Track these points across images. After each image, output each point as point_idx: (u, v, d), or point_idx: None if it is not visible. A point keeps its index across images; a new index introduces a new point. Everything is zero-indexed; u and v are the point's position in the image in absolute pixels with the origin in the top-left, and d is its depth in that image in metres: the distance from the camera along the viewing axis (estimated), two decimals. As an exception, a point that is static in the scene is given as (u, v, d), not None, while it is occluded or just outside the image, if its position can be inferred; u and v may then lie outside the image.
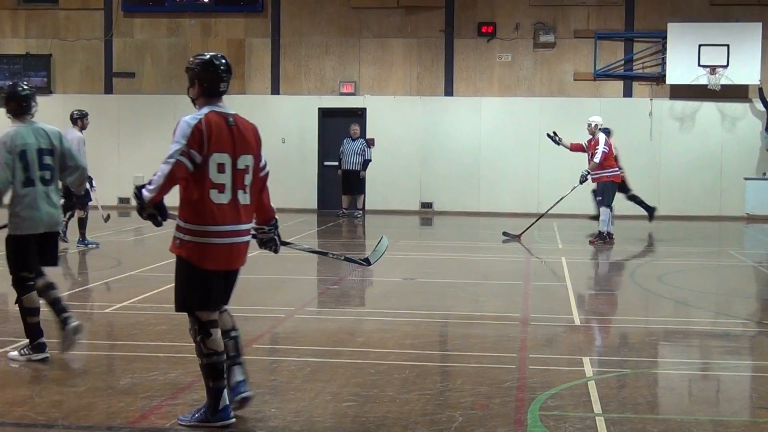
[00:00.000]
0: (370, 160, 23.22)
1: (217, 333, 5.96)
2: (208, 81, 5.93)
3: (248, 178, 5.96)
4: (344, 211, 23.13)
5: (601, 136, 17.22)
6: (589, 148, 17.27)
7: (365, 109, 24.58)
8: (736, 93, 23.48)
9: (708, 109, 23.76)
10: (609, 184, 17.34)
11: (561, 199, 17.85)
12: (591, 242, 17.21)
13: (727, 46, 22.92)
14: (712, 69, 22.92)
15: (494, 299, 11.39)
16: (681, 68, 23.11)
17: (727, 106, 23.70)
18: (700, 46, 22.97)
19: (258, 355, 8.24)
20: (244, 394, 6.20)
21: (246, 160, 5.93)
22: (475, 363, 7.97)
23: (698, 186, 23.81)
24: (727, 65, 22.92)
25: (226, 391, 5.98)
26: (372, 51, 24.62)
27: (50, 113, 24.70)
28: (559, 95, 24.15)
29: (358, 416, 6.31)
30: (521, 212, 23.52)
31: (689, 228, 21.56)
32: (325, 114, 24.73)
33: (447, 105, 24.50)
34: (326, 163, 24.34)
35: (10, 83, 8.46)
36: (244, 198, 5.94)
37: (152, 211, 5.84)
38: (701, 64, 22.98)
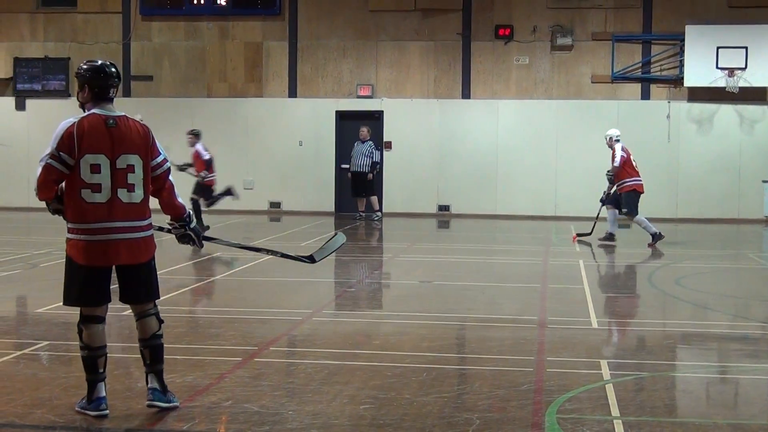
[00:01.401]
0: (378, 163, 23.27)
1: (96, 328, 6.22)
2: (98, 86, 6.21)
3: (133, 177, 6.10)
4: (361, 214, 23.15)
5: (617, 145, 17.50)
6: (612, 160, 17.58)
7: (382, 112, 24.59)
8: (754, 95, 23.39)
9: (726, 111, 23.67)
10: (631, 194, 17.51)
11: (607, 195, 17.88)
12: (650, 245, 17.31)
13: (746, 48, 22.82)
14: (731, 71, 22.83)
15: (511, 302, 11.38)
16: (699, 70, 23.01)
17: (746, 109, 23.60)
18: (718, 48, 22.87)
19: (275, 357, 8.26)
20: (154, 402, 6.32)
21: (128, 160, 6.09)
22: (492, 366, 7.97)
23: (716, 189, 23.72)
24: (746, 67, 22.82)
25: (102, 384, 6.24)
26: (389, 54, 24.63)
27: (68, 116, 24.83)
28: (576, 98, 24.10)
29: (375, 419, 6.31)
30: (538, 215, 23.52)
31: (707, 231, 21.49)
32: (342, 117, 24.75)
33: (464, 108, 24.49)
34: (343, 166, 24.35)
35: None
36: (128, 196, 6.08)
37: (56, 206, 6.14)
38: (719, 66, 22.89)
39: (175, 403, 6.41)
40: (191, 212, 6.60)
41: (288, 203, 24.84)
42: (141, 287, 6.33)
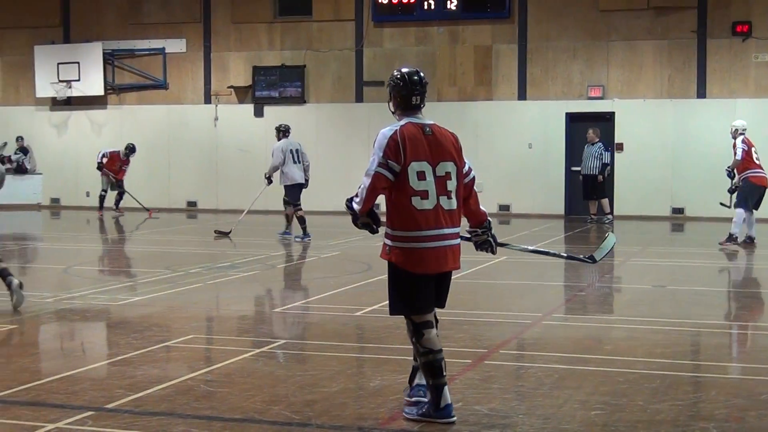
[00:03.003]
0: (608, 164, 22.88)
1: (431, 332, 6.14)
2: (401, 96, 6.21)
3: (451, 184, 6.14)
4: (593, 217, 22.84)
5: (739, 138, 16.97)
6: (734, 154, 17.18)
7: (614, 113, 24.15)
8: None
9: None
10: (750, 186, 16.95)
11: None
12: (721, 243, 16.84)
13: None
14: None
15: (748, 308, 10.95)
16: None
17: None
18: None
19: (504, 360, 8.24)
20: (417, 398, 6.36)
21: (446, 167, 6.12)
22: (729, 374, 7.69)
23: None
24: None
25: (447, 389, 6.12)
26: (620, 54, 24.17)
27: (304, 122, 25.64)
28: (820, 95, 22.95)
29: (607, 425, 6.20)
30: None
31: None
32: (572, 119, 24.46)
33: (699, 107, 23.74)
34: (573, 169, 24.06)
35: None
36: (448, 203, 6.12)
37: (365, 220, 6.18)
38: None
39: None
40: (490, 219, 6.61)
41: (517, 206, 24.75)
42: (447, 293, 6.39)
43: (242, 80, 26.42)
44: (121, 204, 25.04)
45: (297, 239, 18.02)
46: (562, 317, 10.70)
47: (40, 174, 27.86)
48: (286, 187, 18.22)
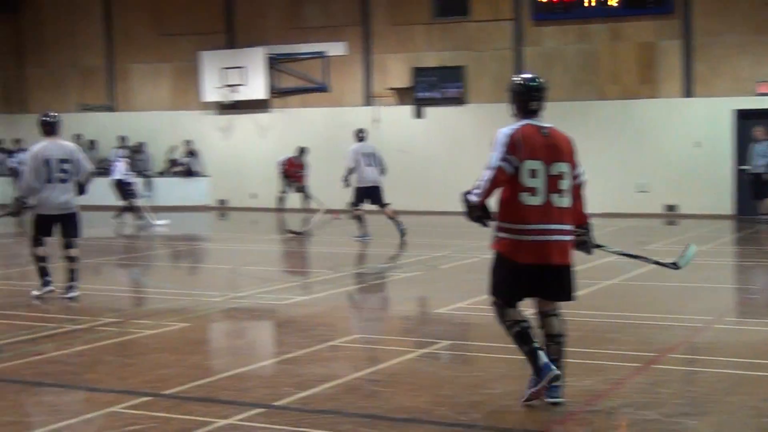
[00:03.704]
0: None
1: (514, 310, 6.56)
2: (520, 101, 6.62)
3: (564, 183, 6.49)
4: (764, 215, 22.06)
5: None
6: None
7: (784, 109, 23.34)
8: None
9: None
10: None
11: None
12: None
13: None
14: None
15: None
16: None
17: None
18: None
19: (674, 365, 8.04)
20: (554, 399, 6.51)
21: (560, 167, 6.48)
22: None
23: None
24: None
25: (541, 352, 6.45)
26: (792, 48, 23.34)
27: (464, 123, 25.62)
28: None
29: (784, 433, 5.99)
30: None
31: None
32: (741, 116, 23.70)
33: None
34: (743, 168, 23.31)
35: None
36: (559, 201, 6.46)
37: (479, 213, 6.54)
38: None
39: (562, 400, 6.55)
40: (591, 222, 6.82)
41: (684, 206, 24.14)
42: (561, 287, 6.59)
43: (402, 82, 26.55)
44: (315, 205, 25.58)
45: (358, 239, 18.30)
46: (735, 321, 10.38)
47: (208, 176, 28.62)
48: (356, 188, 18.53)
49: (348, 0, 27.02)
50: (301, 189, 25.43)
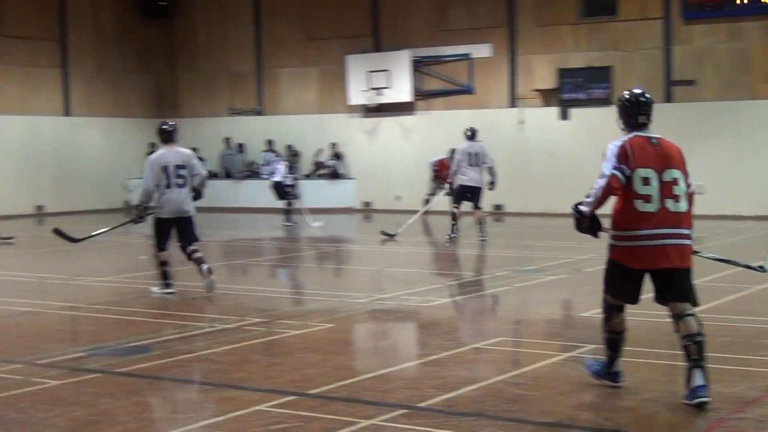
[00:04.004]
0: None
1: (619, 317, 6.98)
2: (628, 116, 6.91)
3: (678, 189, 6.68)
4: None
5: None
6: None
7: None
8: None
9: None
10: None
11: None
12: None
13: None
14: None
15: None
16: None
17: None
18: None
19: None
20: (701, 399, 6.47)
21: (672, 174, 6.69)
22: None
23: None
24: None
25: (619, 361, 7.09)
26: None
27: (611, 124, 25.17)
28: None
29: None
30: None
31: None
32: None
33: None
34: None
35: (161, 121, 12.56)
36: (675, 206, 6.66)
37: (589, 224, 6.88)
38: None
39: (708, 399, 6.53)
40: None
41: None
42: (683, 289, 6.71)
43: (547, 83, 26.33)
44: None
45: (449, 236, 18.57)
46: None
47: (353, 179, 28.92)
48: (457, 186, 18.66)
49: (493, 1, 26.94)
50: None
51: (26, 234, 22.74)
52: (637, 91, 6.98)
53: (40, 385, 7.49)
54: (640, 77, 25.18)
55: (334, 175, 28.88)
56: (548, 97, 26.38)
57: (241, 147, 30.43)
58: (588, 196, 6.76)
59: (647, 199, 6.60)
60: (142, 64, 31.63)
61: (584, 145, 25.72)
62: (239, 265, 16.56)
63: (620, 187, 6.62)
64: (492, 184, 18.91)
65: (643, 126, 6.87)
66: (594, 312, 10.56)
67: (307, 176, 29.09)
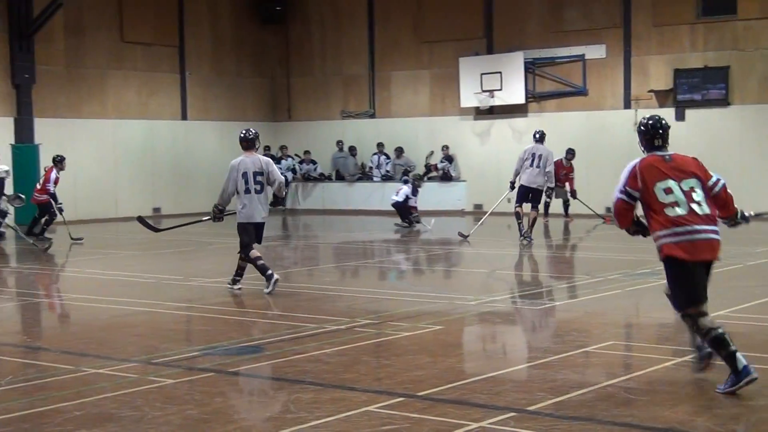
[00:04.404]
0: None
1: (705, 319, 7.25)
2: (646, 139, 7.72)
3: (697, 196, 7.39)
4: None
5: None
6: None
7: None
8: None
9: None
10: None
11: None
12: None
13: None
14: None
15: None
16: None
17: None
18: None
19: None
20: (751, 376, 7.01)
21: (689, 183, 7.42)
22: None
23: None
24: None
25: (739, 354, 7.07)
26: None
27: (728, 125, 24.72)
28: None
29: None
30: None
31: None
32: None
33: None
34: None
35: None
36: (700, 209, 7.35)
37: (634, 228, 7.71)
38: None
39: None
40: (739, 211, 7.85)
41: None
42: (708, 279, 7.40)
43: (663, 84, 25.90)
44: (570, 211, 25.52)
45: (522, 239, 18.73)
46: None
47: (464, 181, 28.87)
48: (519, 187, 18.92)
49: (609, 2, 26.62)
50: (566, 193, 25.20)
51: (144, 236, 23.27)
52: (652, 119, 7.79)
53: (155, 383, 7.67)
54: (759, 77, 24.65)
55: (446, 177, 28.87)
56: (663, 98, 25.94)
57: (352, 150, 30.64)
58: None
59: (675, 204, 7.32)
60: (257, 69, 32.14)
61: (700, 147, 25.09)
62: (351, 267, 16.69)
63: (628, 207, 7.56)
64: (550, 190, 19.21)
65: (659, 148, 7.63)
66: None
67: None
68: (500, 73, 27.70)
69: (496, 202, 21.41)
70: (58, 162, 21.45)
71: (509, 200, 20.96)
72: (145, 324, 10.84)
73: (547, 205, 24.19)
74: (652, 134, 7.71)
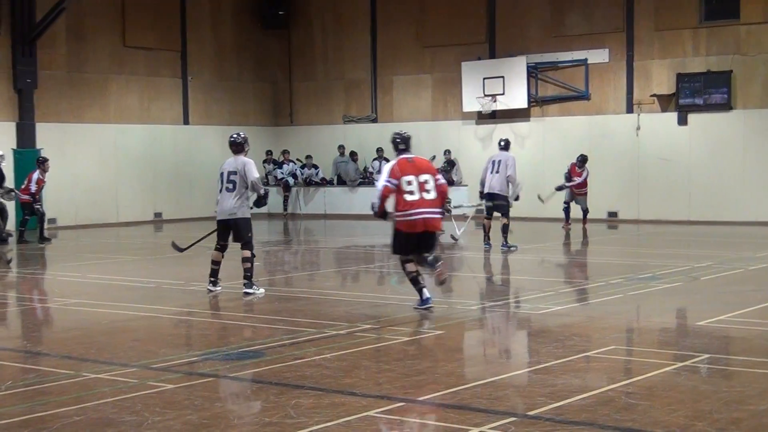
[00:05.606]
0: None
1: (410, 266, 11.23)
2: (395, 145, 11.55)
3: (428, 185, 11.13)
4: None
5: None
6: None
7: None
8: None
9: None
10: None
11: None
12: None
13: None
14: None
15: None
16: None
17: None
18: None
19: None
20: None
21: (424, 177, 11.17)
22: None
23: None
24: None
25: (425, 290, 11.21)
26: None
27: (730, 130, 24.71)
28: None
29: None
30: None
31: None
32: None
33: None
34: None
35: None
36: (428, 195, 11.10)
37: (382, 212, 11.35)
38: None
39: None
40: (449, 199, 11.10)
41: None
42: (429, 247, 11.23)
43: (665, 88, 25.87)
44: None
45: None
46: None
47: (466, 185, 28.84)
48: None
49: (611, 7, 26.60)
50: (585, 201, 25.00)
51: (145, 241, 23.29)
52: (399, 134, 11.60)
53: (155, 388, 7.66)
54: (761, 82, 24.63)
55: (448, 181, 28.83)
56: (666, 102, 25.92)
57: (354, 154, 30.63)
58: (376, 196, 11.33)
59: (411, 193, 11.01)
60: (259, 73, 32.16)
61: (702, 152, 25.25)
62: (351, 272, 16.68)
63: (391, 192, 11.06)
64: (517, 197, 19.41)
65: (404, 151, 11.37)
66: (709, 321, 10.37)
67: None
68: (502, 77, 27.68)
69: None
70: (41, 163, 21.61)
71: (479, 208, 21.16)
72: (145, 329, 10.84)
73: (567, 211, 23.68)
74: (398, 143, 11.42)
